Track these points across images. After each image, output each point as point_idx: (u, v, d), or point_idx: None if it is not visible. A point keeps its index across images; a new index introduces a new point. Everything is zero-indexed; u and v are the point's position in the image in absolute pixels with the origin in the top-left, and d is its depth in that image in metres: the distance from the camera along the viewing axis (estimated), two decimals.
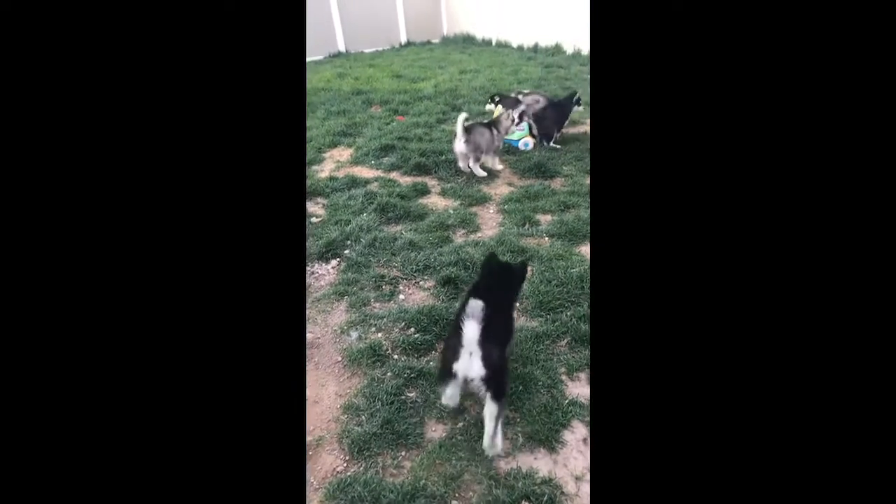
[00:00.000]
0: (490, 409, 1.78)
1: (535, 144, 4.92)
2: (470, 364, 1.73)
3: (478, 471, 1.80)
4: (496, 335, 1.79)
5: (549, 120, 4.89)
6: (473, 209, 3.79)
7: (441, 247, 3.24)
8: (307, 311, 2.72)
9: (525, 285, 2.49)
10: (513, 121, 4.43)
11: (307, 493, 1.75)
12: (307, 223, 3.64)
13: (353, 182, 4.26)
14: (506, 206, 3.78)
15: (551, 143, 4.90)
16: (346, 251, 3.27)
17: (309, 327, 2.61)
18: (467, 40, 11.50)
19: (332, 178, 4.35)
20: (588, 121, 5.44)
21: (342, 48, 10.87)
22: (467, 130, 4.18)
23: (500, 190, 4.11)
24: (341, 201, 3.93)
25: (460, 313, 1.76)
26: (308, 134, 5.42)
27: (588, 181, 4.10)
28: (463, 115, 4.12)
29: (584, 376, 2.19)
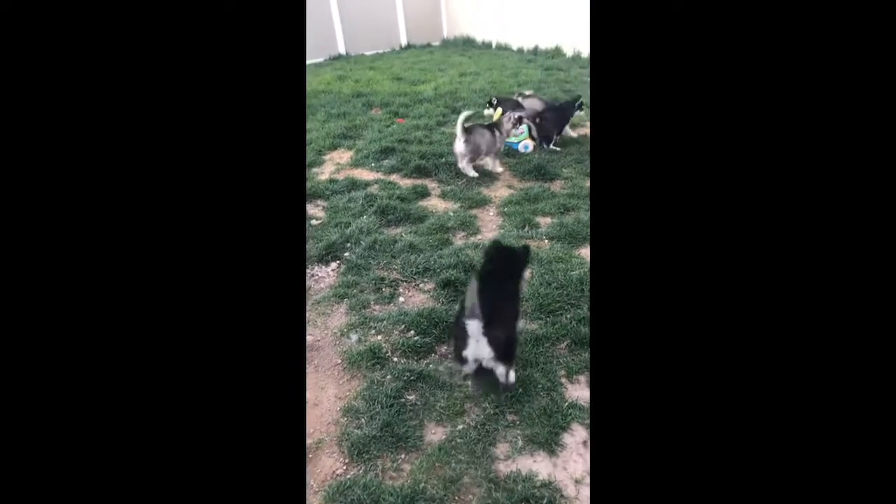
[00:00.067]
0: (501, 370, 2.06)
1: (534, 147, 4.92)
2: (478, 349, 1.95)
3: (477, 474, 1.80)
4: (501, 318, 1.97)
5: (548, 122, 4.90)
6: (473, 211, 3.79)
7: (441, 249, 3.24)
8: (307, 314, 2.72)
9: (527, 271, 2.57)
10: (514, 123, 4.44)
11: (307, 495, 1.75)
12: (307, 225, 3.64)
13: (353, 184, 4.26)
14: (506, 209, 3.78)
15: (551, 146, 4.90)
16: (346, 253, 3.27)
17: (309, 330, 2.60)
18: (467, 43, 11.51)
19: (332, 181, 4.35)
20: (588, 123, 5.45)
21: (342, 50, 10.89)
22: (467, 131, 4.18)
23: (499, 192, 4.11)
24: (341, 204, 3.93)
25: (465, 301, 1.96)
26: (308, 136, 5.42)
27: (588, 184, 4.10)
28: (464, 115, 4.12)
29: (583, 379, 2.19)
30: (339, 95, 7.11)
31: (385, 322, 2.59)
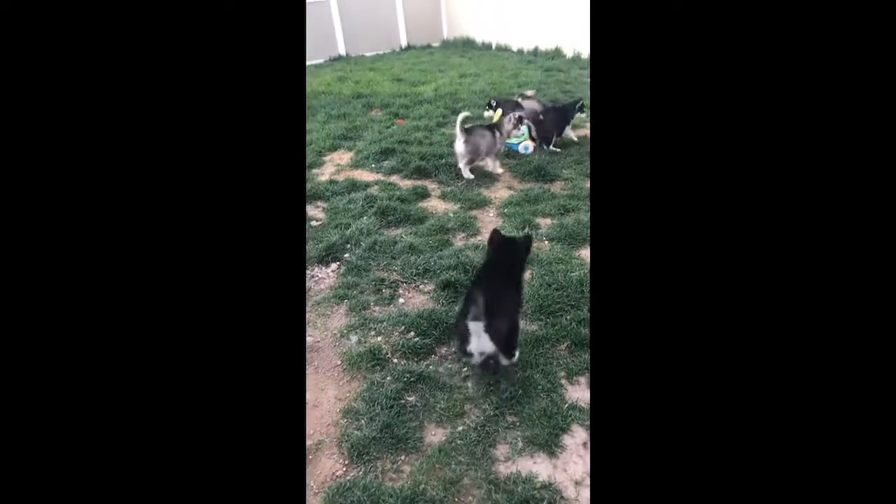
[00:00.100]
0: (504, 361, 2.17)
1: (535, 148, 4.93)
2: (481, 343, 2.05)
3: (477, 475, 1.80)
4: (502, 310, 2.05)
5: (548, 123, 4.90)
6: (473, 213, 3.79)
7: (441, 250, 3.24)
8: (307, 315, 2.71)
9: (529, 257, 2.64)
10: (514, 124, 4.44)
11: (306, 497, 1.75)
12: (307, 227, 3.64)
13: (353, 185, 4.26)
14: (506, 210, 3.78)
15: (551, 147, 4.91)
16: (346, 255, 3.27)
17: (308, 331, 2.60)
18: (467, 44, 11.52)
19: (332, 182, 4.35)
20: (587, 125, 5.45)
21: (342, 52, 10.90)
22: (467, 132, 4.18)
23: (499, 193, 4.11)
24: (341, 205, 3.93)
25: (469, 295, 2.10)
26: (308, 137, 5.42)
27: (587, 185, 4.10)
28: (461, 116, 4.12)
29: (583, 380, 2.19)
30: (340, 96, 7.12)
31: (385, 323, 2.59)
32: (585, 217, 3.53)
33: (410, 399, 2.14)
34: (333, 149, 5.21)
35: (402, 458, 1.89)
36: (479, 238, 3.43)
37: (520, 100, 5.43)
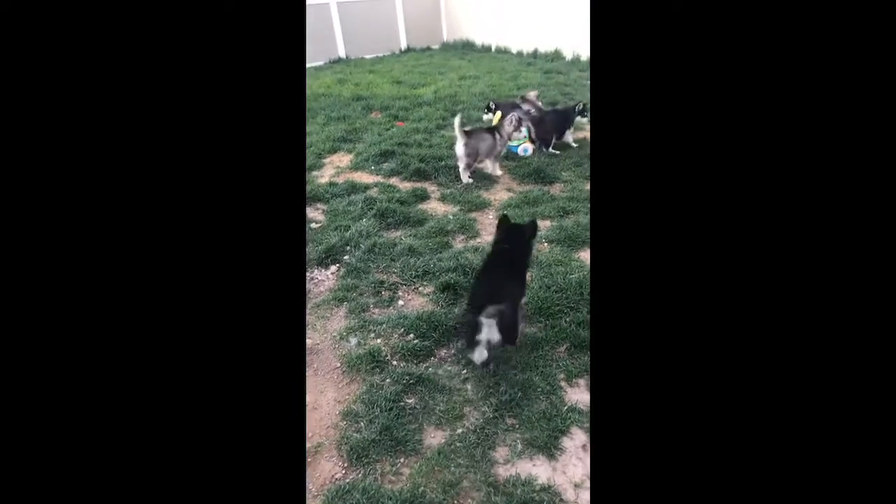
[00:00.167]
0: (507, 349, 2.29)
1: (534, 150, 4.93)
2: (490, 333, 2.11)
3: (476, 478, 1.79)
4: (510, 296, 2.18)
5: (548, 125, 4.91)
6: (473, 215, 3.79)
7: (440, 252, 3.24)
8: (306, 317, 2.71)
9: (535, 242, 2.78)
10: (515, 126, 4.44)
11: (306, 500, 1.74)
12: (307, 229, 3.64)
13: (353, 188, 4.27)
14: (505, 212, 3.78)
15: (549, 149, 4.91)
16: (346, 257, 3.27)
17: (308, 333, 2.60)
18: (467, 46, 11.55)
19: (331, 184, 4.36)
20: (586, 127, 5.46)
21: (342, 54, 10.91)
22: (467, 134, 4.18)
23: (499, 195, 4.12)
24: (341, 207, 3.94)
25: (476, 287, 2.29)
26: (308, 139, 5.43)
27: (587, 187, 4.11)
28: (458, 117, 4.12)
29: (583, 382, 2.19)
30: (339, 99, 7.13)
31: (384, 325, 2.59)
32: (585, 219, 3.53)
33: (410, 401, 2.13)
34: (333, 151, 5.21)
35: (402, 460, 1.88)
36: (478, 240, 3.43)
37: (519, 101, 5.44)
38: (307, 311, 2.76)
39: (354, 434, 1.98)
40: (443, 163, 4.60)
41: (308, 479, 1.82)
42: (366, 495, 1.72)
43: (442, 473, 1.82)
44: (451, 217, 3.72)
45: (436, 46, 12.11)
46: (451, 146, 4.51)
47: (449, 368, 2.31)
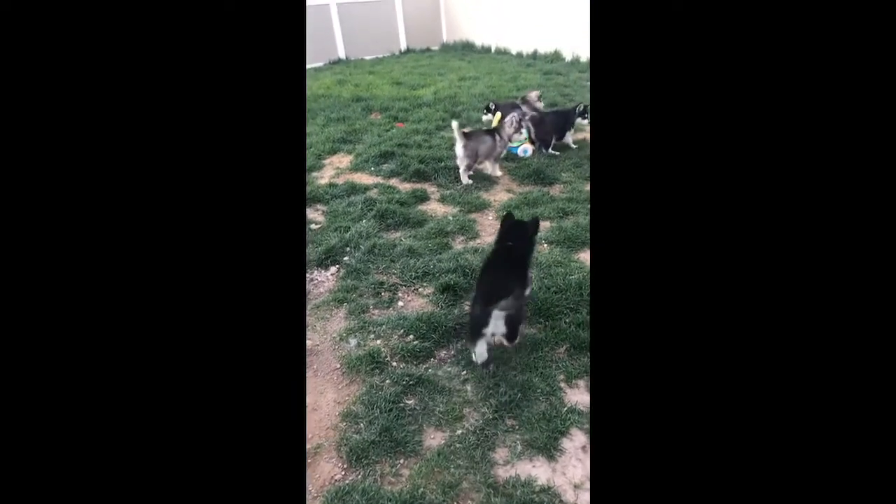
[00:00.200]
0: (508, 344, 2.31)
1: (534, 151, 4.93)
2: (497, 326, 2.14)
3: (476, 479, 1.79)
4: (516, 292, 2.19)
5: (548, 126, 4.91)
6: (472, 216, 3.79)
7: (440, 253, 3.24)
8: (306, 319, 2.71)
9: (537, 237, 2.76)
10: (515, 127, 4.44)
11: (306, 501, 1.74)
12: (307, 230, 3.64)
13: (353, 189, 4.27)
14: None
15: (549, 150, 4.92)
16: (346, 258, 3.27)
17: (308, 334, 2.60)
18: (467, 47, 11.56)
19: (331, 185, 4.36)
20: (586, 128, 5.46)
21: (342, 55, 10.92)
22: (467, 136, 4.18)
23: (499, 196, 4.12)
24: (341, 208, 3.94)
25: (481, 280, 2.33)
26: (308, 140, 5.43)
27: (587, 188, 4.11)
28: (456, 123, 4.14)
29: (582, 384, 2.19)
30: (339, 100, 7.13)
31: (384, 326, 2.59)
32: (584, 220, 3.53)
33: (409, 402, 2.13)
34: (333, 152, 5.21)
35: (401, 461, 1.88)
36: (478, 241, 3.43)
37: (520, 102, 5.44)
38: (307, 313, 2.76)
39: (354, 435, 1.98)
40: (442, 164, 4.60)
41: (308, 481, 1.82)
42: (365, 496, 1.72)
43: (442, 474, 1.82)
44: (450, 218, 3.72)
45: (435, 47, 12.12)
46: (451, 147, 4.51)
47: (449, 369, 2.31)
